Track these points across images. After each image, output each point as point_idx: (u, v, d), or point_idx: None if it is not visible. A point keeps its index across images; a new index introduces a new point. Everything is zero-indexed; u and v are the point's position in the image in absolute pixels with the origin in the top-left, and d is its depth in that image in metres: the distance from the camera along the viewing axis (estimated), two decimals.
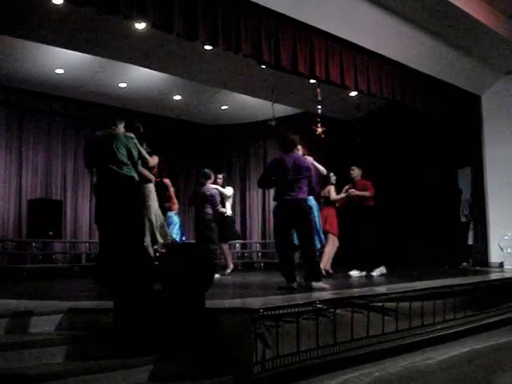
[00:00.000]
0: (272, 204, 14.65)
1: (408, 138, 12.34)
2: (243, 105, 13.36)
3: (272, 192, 14.99)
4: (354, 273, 8.69)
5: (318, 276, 6.44)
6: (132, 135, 6.34)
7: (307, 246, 6.58)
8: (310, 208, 6.90)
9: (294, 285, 6.46)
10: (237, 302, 5.14)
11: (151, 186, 6.68)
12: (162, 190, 7.80)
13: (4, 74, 11.05)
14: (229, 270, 9.64)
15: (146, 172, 6.51)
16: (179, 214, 10.78)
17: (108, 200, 6.09)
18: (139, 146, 6.33)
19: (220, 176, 9.98)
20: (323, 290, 6.07)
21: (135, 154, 6.15)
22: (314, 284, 6.28)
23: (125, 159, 6.05)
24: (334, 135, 11.70)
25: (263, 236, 15.11)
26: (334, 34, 8.52)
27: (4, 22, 7.94)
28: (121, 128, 6.32)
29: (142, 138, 6.74)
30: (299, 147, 7.26)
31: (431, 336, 5.78)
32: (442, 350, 5.60)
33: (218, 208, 9.39)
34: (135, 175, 6.13)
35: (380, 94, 9.59)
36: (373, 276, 8.56)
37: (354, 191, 8.88)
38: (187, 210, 13.16)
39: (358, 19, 8.50)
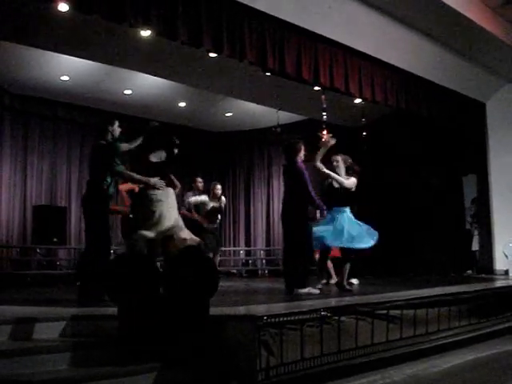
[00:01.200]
0: (276, 210, 14.80)
1: (413, 145, 12.35)
2: (248, 112, 13.37)
3: (276, 198, 15.12)
4: (355, 281, 8.70)
5: (300, 283, 6.53)
6: (103, 144, 6.14)
7: (291, 251, 6.75)
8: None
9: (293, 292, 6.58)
10: (241, 309, 5.14)
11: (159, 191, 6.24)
12: None
13: (9, 81, 11.10)
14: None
15: (136, 176, 6.18)
16: None
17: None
18: (115, 153, 6.09)
19: (199, 180, 9.68)
20: (309, 296, 6.22)
21: (111, 162, 6.01)
22: (297, 290, 6.47)
23: (96, 171, 6.07)
24: (340, 142, 11.68)
25: (267, 243, 15.09)
26: (339, 41, 8.54)
27: (9, 28, 7.98)
28: (114, 131, 6.21)
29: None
30: (338, 158, 7.43)
31: (436, 344, 5.76)
32: (446, 357, 5.58)
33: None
34: (105, 186, 5.99)
35: (385, 102, 9.60)
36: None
37: None
38: None
39: (363, 26, 8.51)
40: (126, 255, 5.53)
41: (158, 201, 5.77)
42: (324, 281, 8.17)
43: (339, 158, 7.45)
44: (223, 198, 9.64)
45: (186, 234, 5.85)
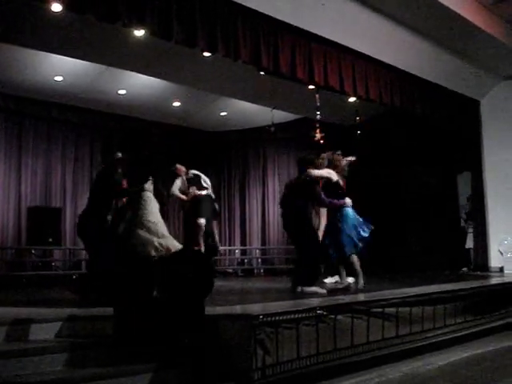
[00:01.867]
0: (271, 209, 14.81)
1: (408, 143, 12.37)
2: (242, 111, 13.36)
3: (271, 197, 15.16)
4: (329, 280, 8.63)
5: (306, 281, 6.60)
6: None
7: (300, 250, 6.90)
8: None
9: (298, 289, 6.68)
10: (237, 309, 5.15)
11: (145, 195, 6.33)
12: None
13: (3, 81, 11.06)
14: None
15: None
16: None
17: None
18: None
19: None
20: (314, 295, 6.22)
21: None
22: (301, 288, 6.55)
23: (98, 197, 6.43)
24: (333, 141, 11.71)
25: (263, 242, 15.08)
26: (333, 40, 8.53)
27: (3, 29, 7.95)
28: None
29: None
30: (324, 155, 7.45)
31: (432, 341, 5.78)
32: (442, 355, 5.60)
33: None
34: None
35: (379, 100, 9.59)
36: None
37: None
38: None
39: (357, 25, 8.51)
40: (122, 257, 5.54)
41: (150, 202, 6.16)
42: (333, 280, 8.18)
43: (324, 155, 7.47)
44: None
45: (169, 242, 6.05)
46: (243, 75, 9.85)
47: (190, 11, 6.90)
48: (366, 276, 9.15)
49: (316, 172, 6.97)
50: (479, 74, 11.01)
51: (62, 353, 4.00)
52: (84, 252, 12.67)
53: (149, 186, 6.21)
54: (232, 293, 7.61)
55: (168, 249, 5.81)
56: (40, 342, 4.19)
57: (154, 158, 6.60)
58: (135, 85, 11.49)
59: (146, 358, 3.99)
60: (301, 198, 6.79)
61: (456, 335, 6.14)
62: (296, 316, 4.39)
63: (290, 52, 8.07)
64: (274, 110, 12.31)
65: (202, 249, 9.09)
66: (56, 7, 6.51)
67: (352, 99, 10.51)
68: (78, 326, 4.47)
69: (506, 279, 8.87)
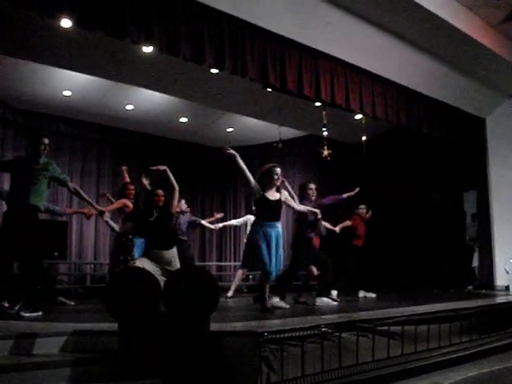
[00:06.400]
0: None
1: (413, 161, 12.38)
2: (249, 127, 13.41)
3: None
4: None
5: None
6: None
7: None
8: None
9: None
10: (241, 325, 5.13)
11: None
12: None
13: (12, 96, 11.15)
14: (229, 294, 9.31)
15: None
16: None
17: None
18: None
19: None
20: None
21: None
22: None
23: None
24: (340, 158, 11.74)
25: None
26: (340, 58, 8.59)
27: (13, 44, 8.03)
28: None
29: None
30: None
31: (437, 360, 5.73)
32: (448, 374, 5.54)
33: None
34: None
35: (385, 117, 9.62)
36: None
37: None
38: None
39: (363, 43, 8.56)
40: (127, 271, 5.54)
41: None
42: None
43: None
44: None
45: None
46: (250, 92, 9.90)
47: (197, 28, 6.97)
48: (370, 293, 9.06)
49: None
50: (484, 91, 11.03)
51: (67, 367, 4.00)
52: (89, 266, 12.75)
53: None
54: (237, 309, 7.59)
55: None
56: (44, 357, 4.18)
57: None
58: (143, 100, 11.57)
59: (151, 374, 3.98)
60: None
61: (462, 354, 6.09)
62: (301, 333, 4.37)
63: (297, 69, 8.12)
64: (281, 127, 12.36)
65: None
66: (65, 23, 6.56)
67: (358, 116, 10.54)
68: (82, 340, 4.46)
69: None
